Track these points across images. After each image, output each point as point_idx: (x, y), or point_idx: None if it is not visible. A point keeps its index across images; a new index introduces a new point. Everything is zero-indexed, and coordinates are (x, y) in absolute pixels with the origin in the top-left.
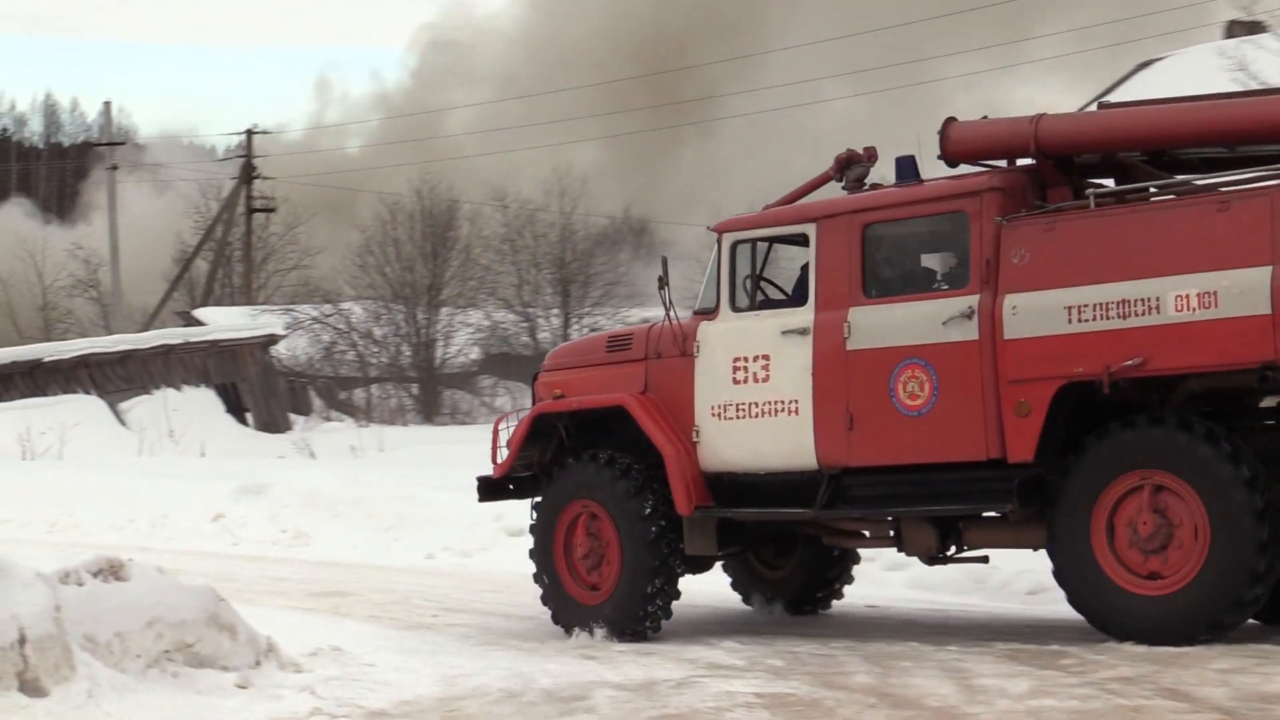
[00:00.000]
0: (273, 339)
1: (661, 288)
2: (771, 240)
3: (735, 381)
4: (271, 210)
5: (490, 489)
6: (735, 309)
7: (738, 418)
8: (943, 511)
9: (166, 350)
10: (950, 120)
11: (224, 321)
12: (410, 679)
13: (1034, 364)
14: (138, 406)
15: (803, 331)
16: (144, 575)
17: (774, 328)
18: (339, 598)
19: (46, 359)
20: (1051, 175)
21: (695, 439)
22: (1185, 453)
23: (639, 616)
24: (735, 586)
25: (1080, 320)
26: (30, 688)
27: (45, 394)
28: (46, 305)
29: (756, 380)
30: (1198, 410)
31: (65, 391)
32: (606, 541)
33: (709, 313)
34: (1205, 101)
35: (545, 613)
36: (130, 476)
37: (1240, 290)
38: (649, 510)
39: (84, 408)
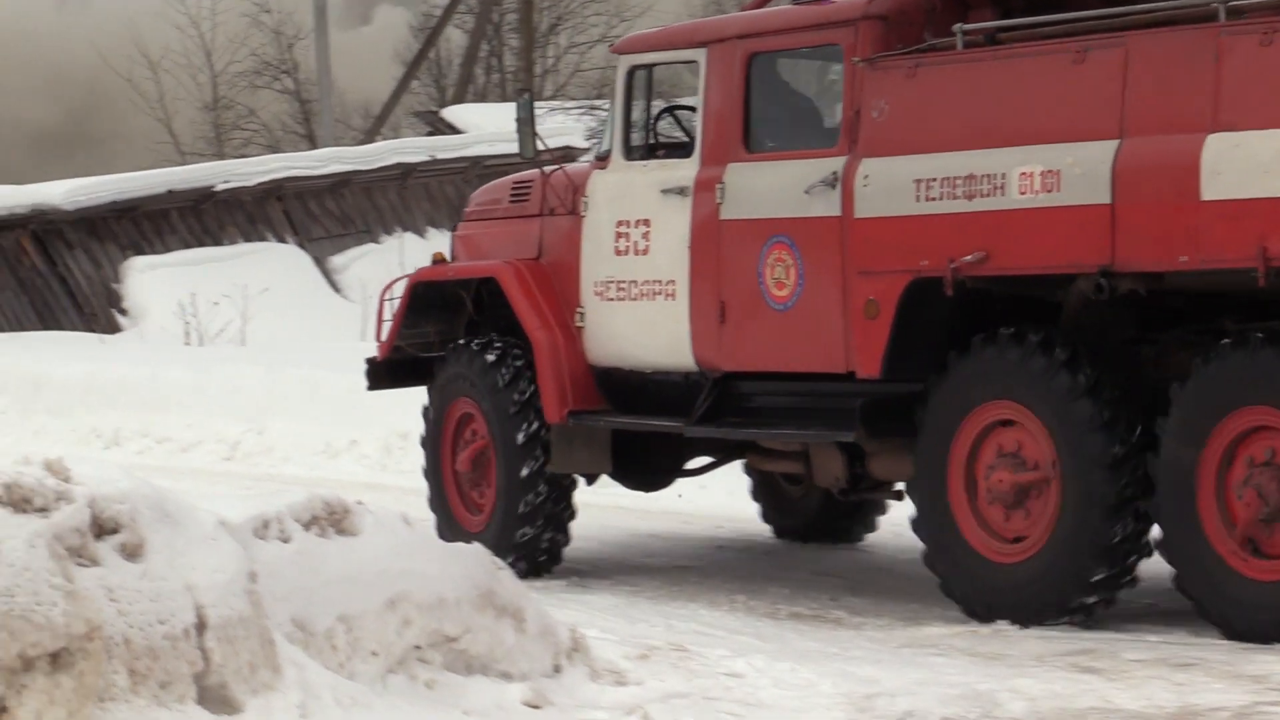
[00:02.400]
0: (567, 154)
1: (523, 129)
2: (666, 67)
3: (617, 252)
4: None
5: (380, 374)
6: (628, 157)
7: (619, 299)
8: (788, 436)
9: (403, 173)
10: None
11: (491, 127)
12: (800, 699)
13: (882, 252)
14: (358, 261)
15: (682, 192)
16: (382, 528)
17: (657, 184)
18: (647, 557)
19: (219, 187)
20: None
21: (579, 323)
22: (1036, 381)
23: (519, 544)
24: (764, 517)
25: (928, 199)
26: (214, 699)
27: (219, 243)
28: (218, 102)
29: (637, 252)
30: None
31: (248, 238)
32: (488, 451)
33: (605, 159)
34: None
35: (918, 578)
36: (347, 373)
37: (1082, 170)
38: (517, 409)
39: (278, 262)
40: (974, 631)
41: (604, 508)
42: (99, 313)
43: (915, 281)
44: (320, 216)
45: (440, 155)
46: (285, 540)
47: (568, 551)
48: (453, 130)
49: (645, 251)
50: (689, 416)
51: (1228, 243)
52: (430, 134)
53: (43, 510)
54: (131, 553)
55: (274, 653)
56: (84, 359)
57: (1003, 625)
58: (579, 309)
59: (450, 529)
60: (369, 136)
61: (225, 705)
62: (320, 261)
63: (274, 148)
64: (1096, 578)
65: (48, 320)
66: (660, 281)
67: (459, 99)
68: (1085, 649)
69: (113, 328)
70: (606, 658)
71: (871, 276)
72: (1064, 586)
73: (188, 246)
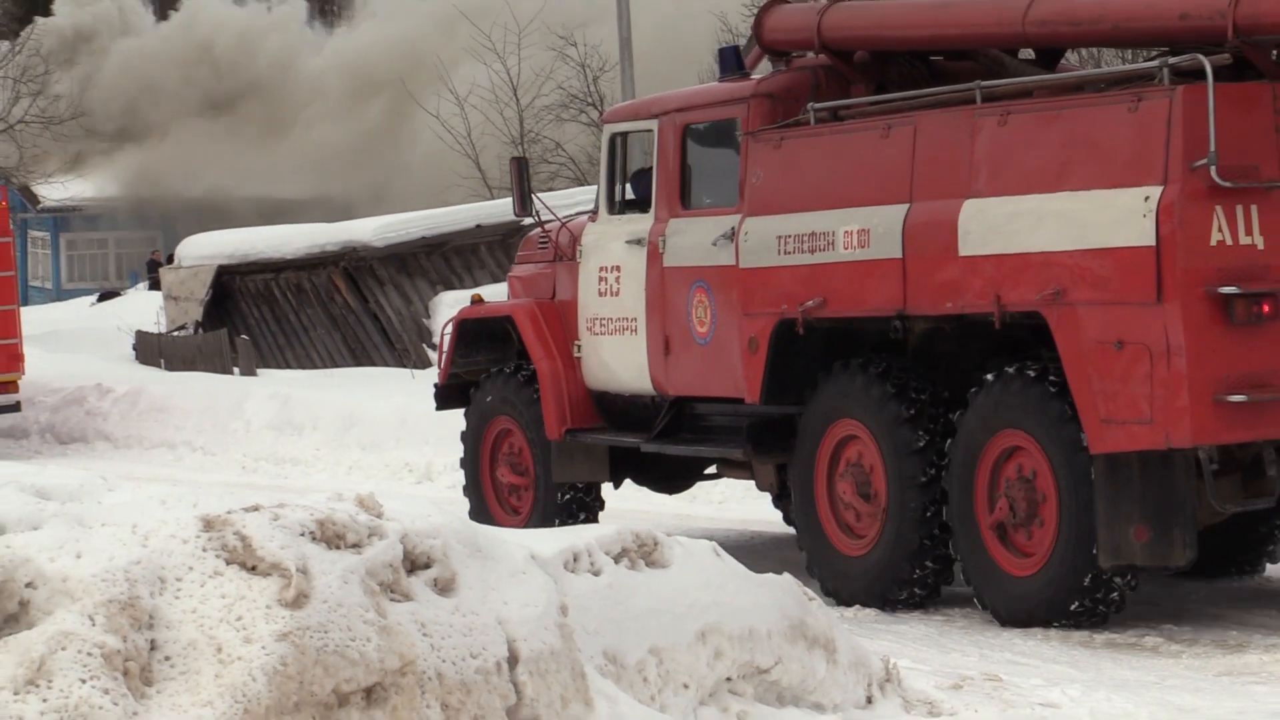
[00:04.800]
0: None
1: (521, 188)
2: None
3: (599, 293)
4: None
5: (447, 396)
6: (610, 211)
7: (602, 333)
8: (695, 452)
9: None
10: (771, 3)
11: None
12: None
13: (759, 297)
14: None
15: (640, 242)
16: (692, 559)
17: (625, 235)
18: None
19: (526, 221)
20: (852, 74)
21: (577, 354)
22: (862, 395)
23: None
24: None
25: (785, 252)
26: None
27: None
28: (524, 136)
29: (613, 293)
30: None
31: None
32: (525, 464)
33: (595, 213)
34: None
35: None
36: None
37: (884, 229)
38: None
39: None
40: None
41: None
42: (410, 348)
43: (782, 322)
44: None
45: None
46: (595, 573)
47: None
48: None
49: (618, 293)
50: (649, 433)
51: (975, 292)
52: None
53: (356, 546)
54: (444, 587)
55: (585, 686)
56: (395, 394)
57: None
58: (577, 341)
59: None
60: None
61: None
62: None
63: (580, 180)
64: (913, 576)
65: (360, 356)
66: (627, 319)
67: None
68: None
69: (424, 362)
70: (919, 688)
71: (752, 318)
72: (889, 581)
73: (497, 280)
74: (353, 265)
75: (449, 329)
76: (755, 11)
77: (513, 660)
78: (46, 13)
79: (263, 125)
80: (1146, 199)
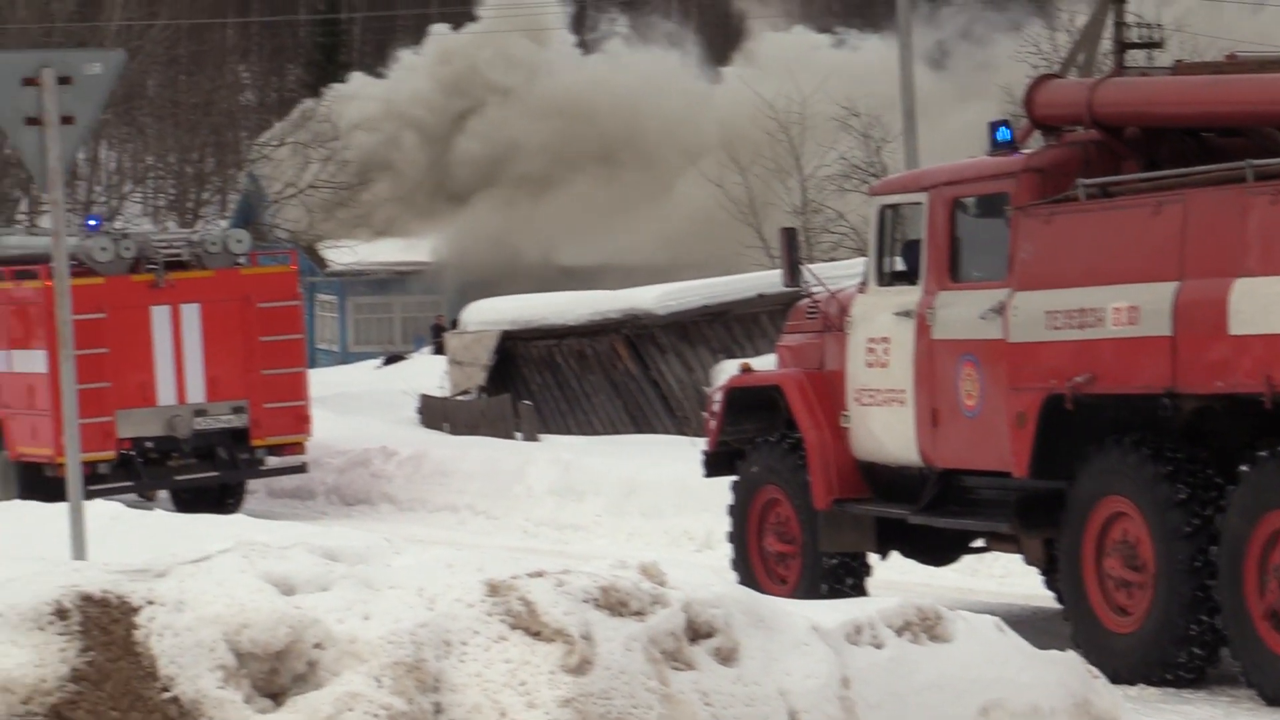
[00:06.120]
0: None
1: (790, 258)
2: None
3: (868, 364)
4: (1156, 46)
5: (716, 464)
6: (879, 283)
7: (870, 404)
8: (963, 525)
9: None
10: (1042, 78)
11: None
12: None
13: (1027, 372)
14: None
15: (909, 314)
16: (975, 634)
17: (894, 307)
18: None
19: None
20: (1122, 149)
21: (845, 424)
22: (1133, 474)
23: (822, 596)
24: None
25: (1054, 327)
26: None
27: None
28: (807, 206)
29: (881, 365)
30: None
31: None
32: (792, 533)
33: (864, 284)
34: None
35: None
36: None
37: (1154, 307)
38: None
39: None
40: None
41: None
42: (690, 416)
43: (1050, 397)
44: None
45: None
46: (878, 646)
47: None
48: None
49: (886, 365)
50: (916, 505)
51: (1245, 371)
52: None
53: (639, 614)
54: (726, 657)
55: None
56: (675, 461)
57: None
58: (844, 412)
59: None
60: None
61: None
62: None
63: (862, 250)
64: (1180, 658)
65: (640, 423)
66: (895, 390)
67: None
68: None
69: (704, 431)
70: None
71: (1020, 392)
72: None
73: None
74: (634, 332)
75: (718, 397)
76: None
77: None
78: (337, 79)
79: (536, 185)
80: None
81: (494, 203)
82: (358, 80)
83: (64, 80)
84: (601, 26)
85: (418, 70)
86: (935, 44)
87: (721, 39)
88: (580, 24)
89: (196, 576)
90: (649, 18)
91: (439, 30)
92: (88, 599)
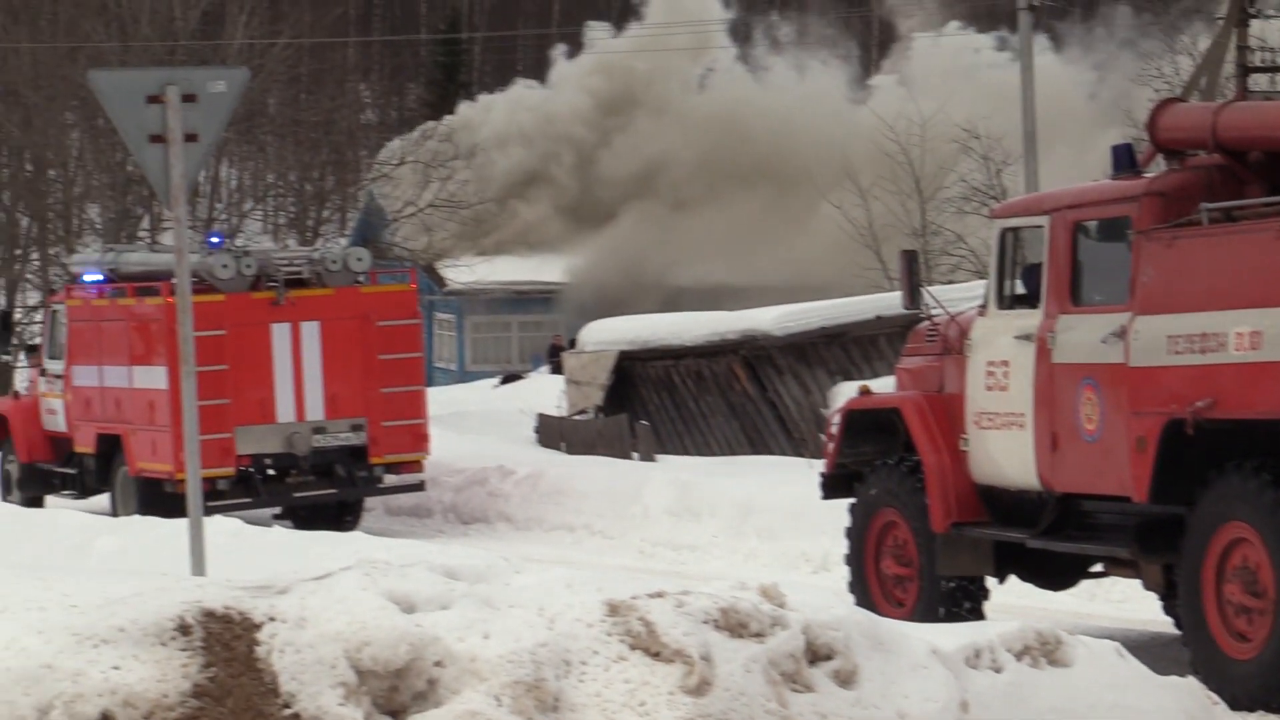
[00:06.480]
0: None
1: (910, 281)
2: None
3: (987, 387)
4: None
5: (834, 486)
6: (1000, 306)
7: (989, 427)
8: (1081, 550)
9: None
10: (1165, 102)
11: None
12: None
13: (1148, 396)
14: None
15: (1029, 338)
16: (1095, 659)
17: (1015, 330)
18: None
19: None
20: (1245, 174)
21: (964, 447)
22: (1254, 499)
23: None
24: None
25: (1175, 352)
26: None
27: None
28: (926, 228)
29: (1001, 388)
30: None
31: None
32: (909, 555)
33: (984, 307)
34: None
35: None
36: None
37: (1276, 331)
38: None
39: None
40: None
41: None
42: (807, 437)
43: (1171, 421)
44: None
45: None
46: (997, 670)
47: None
48: None
49: (1005, 388)
50: (1034, 529)
51: None
52: None
53: (758, 635)
54: (845, 679)
55: None
56: (792, 483)
57: None
58: (963, 435)
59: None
60: None
61: None
62: None
63: (981, 274)
64: None
65: (757, 444)
66: (1015, 414)
67: None
68: None
69: (821, 453)
70: None
71: (1141, 416)
72: (1275, 688)
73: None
74: (752, 353)
75: (837, 419)
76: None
77: None
78: (460, 98)
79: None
80: None
81: (633, 222)
82: (515, 89)
83: (188, 98)
84: (758, 33)
85: (568, 82)
86: (1092, 65)
87: (879, 40)
88: (742, 31)
89: (318, 594)
90: (808, 17)
91: (597, 31)
92: (210, 615)
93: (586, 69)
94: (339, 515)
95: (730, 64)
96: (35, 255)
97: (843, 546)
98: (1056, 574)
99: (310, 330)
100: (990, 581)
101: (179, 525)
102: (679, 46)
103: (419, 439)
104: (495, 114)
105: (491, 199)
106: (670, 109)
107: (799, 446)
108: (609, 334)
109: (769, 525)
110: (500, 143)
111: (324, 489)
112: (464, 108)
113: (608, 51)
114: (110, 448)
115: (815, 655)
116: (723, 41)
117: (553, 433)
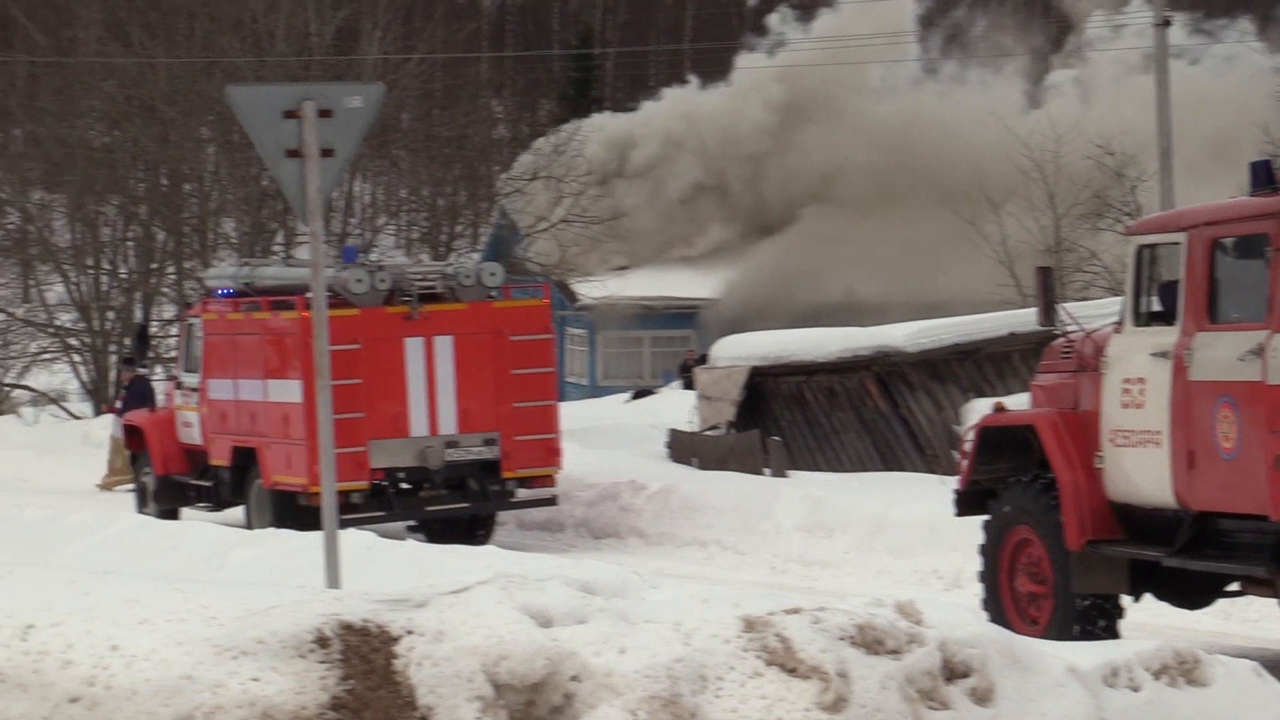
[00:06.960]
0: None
1: (1045, 298)
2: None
3: (1123, 405)
4: None
5: (968, 503)
6: (1136, 323)
7: (1125, 445)
8: (1218, 569)
9: None
10: None
11: None
12: None
13: None
14: None
15: (1165, 355)
16: (1233, 679)
17: (1151, 348)
18: None
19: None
20: None
21: (1099, 465)
22: None
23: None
24: None
25: None
26: None
27: None
28: (1060, 244)
29: (1137, 406)
30: None
31: None
32: (1044, 573)
33: (1120, 324)
34: None
35: None
36: None
37: None
38: (1060, 529)
39: None
40: None
41: None
42: (940, 454)
43: None
44: None
45: None
46: (1134, 689)
47: None
48: None
49: (1141, 406)
50: (1170, 547)
51: None
52: None
53: (895, 652)
54: (981, 697)
55: None
56: (925, 499)
57: None
58: (1099, 452)
59: None
60: None
61: None
62: None
63: (1114, 290)
64: None
65: (889, 460)
66: (1151, 431)
67: None
68: None
69: (953, 469)
70: None
71: (1279, 435)
72: None
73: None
74: (884, 370)
75: (971, 436)
76: None
77: None
78: (592, 110)
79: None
80: None
81: (797, 237)
82: (681, 90)
83: (324, 113)
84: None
85: (746, 91)
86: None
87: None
88: (930, 23)
89: (455, 607)
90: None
91: (778, 24)
92: (348, 628)
93: (767, 77)
94: (471, 529)
95: (909, 66)
96: (171, 269)
97: (975, 563)
98: (1192, 593)
99: (443, 345)
100: (1125, 600)
101: (313, 538)
102: (864, 44)
103: (551, 453)
104: (656, 123)
105: (622, 214)
106: (846, 117)
107: (931, 463)
108: (741, 349)
109: (901, 542)
110: (667, 154)
111: (457, 503)
112: (602, 118)
113: (794, 48)
114: (245, 460)
115: (952, 672)
116: (910, 38)
117: (684, 448)
